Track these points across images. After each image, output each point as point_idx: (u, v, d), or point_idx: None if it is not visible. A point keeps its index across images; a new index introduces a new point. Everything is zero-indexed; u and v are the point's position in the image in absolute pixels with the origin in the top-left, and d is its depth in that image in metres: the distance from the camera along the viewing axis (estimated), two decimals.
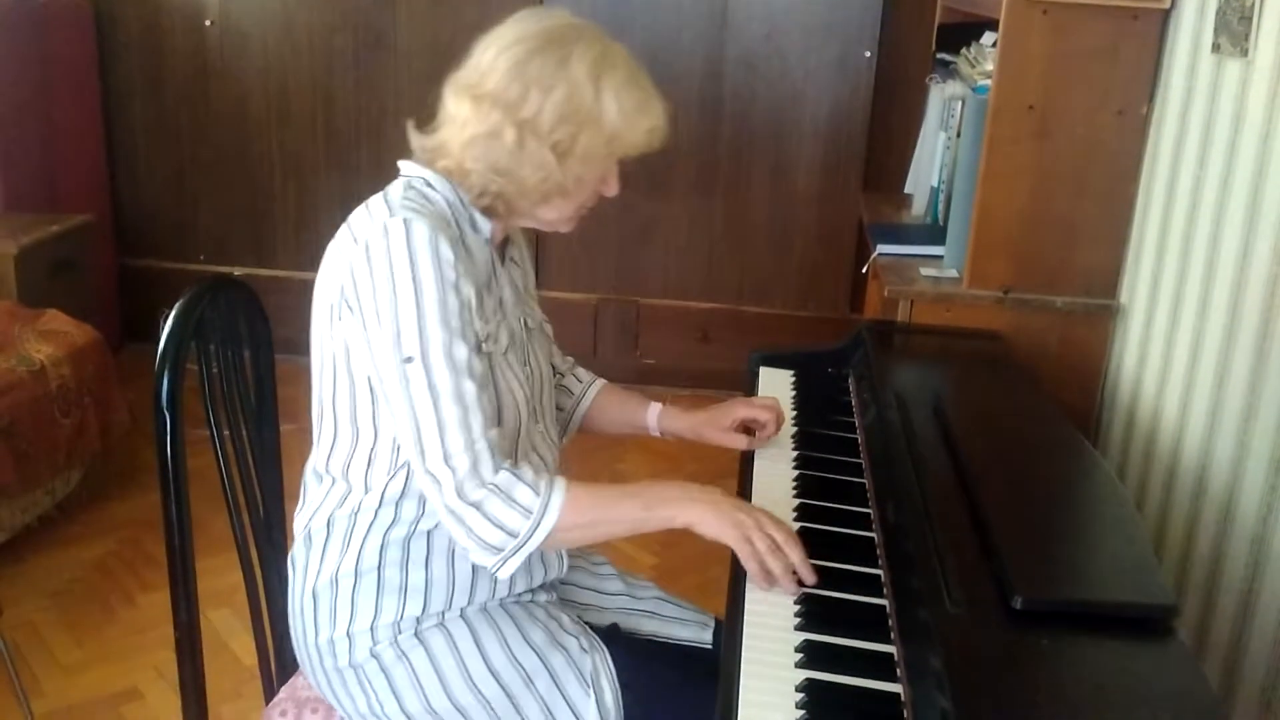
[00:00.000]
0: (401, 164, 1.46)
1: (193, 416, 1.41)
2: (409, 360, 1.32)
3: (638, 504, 1.41)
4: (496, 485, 1.34)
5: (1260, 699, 1.74)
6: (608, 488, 1.43)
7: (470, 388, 1.33)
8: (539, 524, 1.34)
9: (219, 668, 2.35)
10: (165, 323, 1.42)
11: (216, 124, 4.23)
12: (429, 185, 1.43)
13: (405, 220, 1.32)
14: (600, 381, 1.80)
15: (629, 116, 1.39)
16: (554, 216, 1.47)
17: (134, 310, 4.23)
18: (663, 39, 3.95)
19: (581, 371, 1.80)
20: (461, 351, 1.33)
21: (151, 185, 4.33)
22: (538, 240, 4.12)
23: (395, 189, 1.42)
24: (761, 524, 1.38)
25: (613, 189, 1.48)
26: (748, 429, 1.76)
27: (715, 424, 1.74)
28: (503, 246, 1.54)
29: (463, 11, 3.98)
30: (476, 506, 1.33)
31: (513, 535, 1.33)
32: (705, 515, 1.38)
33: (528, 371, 1.51)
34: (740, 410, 1.75)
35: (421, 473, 1.34)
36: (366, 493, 1.44)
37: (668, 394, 4.20)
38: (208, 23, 4.11)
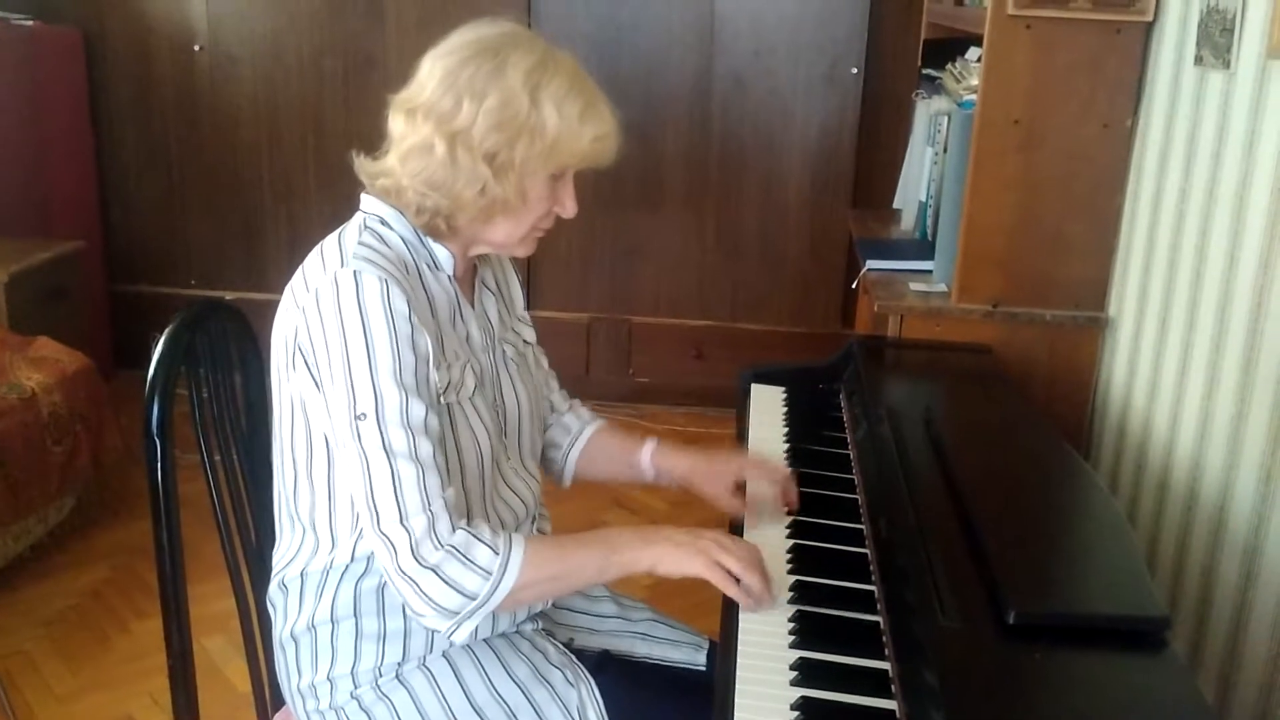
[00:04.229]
0: (363, 195, 1.42)
1: (185, 442, 1.41)
2: (362, 417, 1.27)
3: (596, 553, 1.36)
4: (454, 546, 1.28)
5: (1255, 710, 1.74)
6: (566, 539, 1.39)
7: (426, 446, 1.29)
8: (498, 585, 1.29)
9: (213, 694, 2.33)
10: (155, 348, 1.42)
11: (207, 148, 4.23)
12: (385, 224, 1.38)
13: (355, 272, 1.28)
14: (596, 423, 1.71)
15: (571, 125, 1.33)
16: (502, 238, 1.41)
17: (126, 336, 4.22)
18: (652, 57, 3.97)
19: (583, 411, 1.73)
20: (418, 410, 1.29)
21: (142, 211, 4.33)
22: (528, 259, 4.13)
23: (351, 230, 1.37)
24: (725, 545, 1.36)
25: (569, 209, 1.42)
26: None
27: (714, 478, 1.63)
28: (472, 277, 1.50)
29: (452, 31, 3.98)
30: (434, 570, 1.27)
31: (470, 598, 1.28)
32: (665, 554, 1.35)
33: (499, 412, 1.48)
34: (746, 470, 1.65)
35: (374, 535, 1.28)
36: (335, 547, 1.42)
37: (662, 412, 4.22)
38: (197, 48, 4.12)
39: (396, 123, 1.36)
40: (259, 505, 1.61)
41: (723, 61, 3.99)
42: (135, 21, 4.13)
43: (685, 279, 4.21)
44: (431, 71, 1.35)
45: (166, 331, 1.44)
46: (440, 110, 1.32)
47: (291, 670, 1.47)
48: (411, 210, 1.37)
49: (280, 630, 1.48)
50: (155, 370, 1.40)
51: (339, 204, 4.64)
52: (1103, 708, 1.11)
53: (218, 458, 1.53)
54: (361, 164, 1.41)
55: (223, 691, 2.47)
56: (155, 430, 1.38)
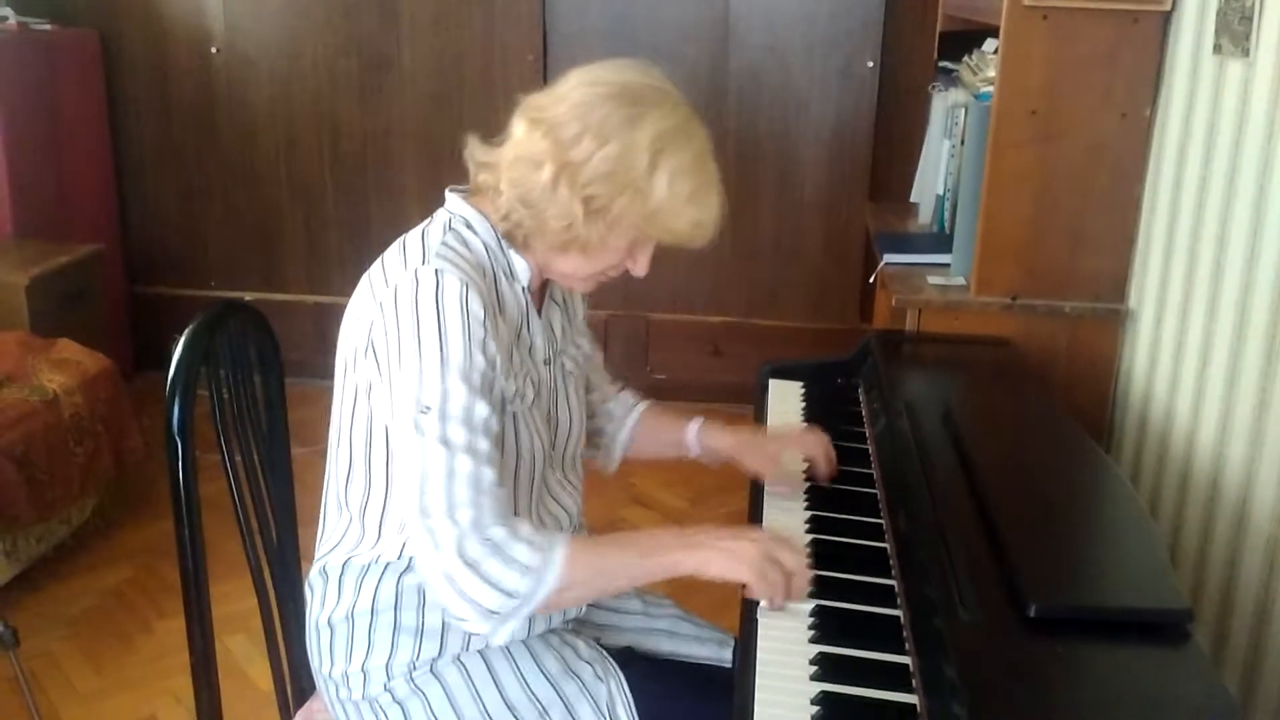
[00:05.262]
0: (448, 193, 1.42)
1: (206, 442, 1.42)
2: (426, 410, 1.26)
3: (636, 553, 1.34)
4: (494, 543, 1.26)
5: None
6: (606, 540, 1.38)
7: (484, 444, 1.28)
8: (540, 582, 1.26)
9: (236, 693, 2.35)
10: (175, 349, 1.43)
11: (224, 150, 4.25)
12: (469, 227, 1.39)
13: (437, 271, 1.29)
14: (644, 404, 1.75)
15: (677, 202, 1.32)
16: (568, 270, 1.40)
17: (146, 338, 4.25)
18: (666, 52, 3.95)
19: (626, 397, 1.75)
20: (482, 410, 1.28)
21: (161, 213, 4.36)
22: None
23: (435, 228, 1.38)
24: (774, 558, 1.34)
25: (641, 269, 1.41)
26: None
27: (758, 453, 1.68)
28: (543, 289, 1.49)
29: (466, 33, 3.99)
30: (473, 567, 1.24)
31: (512, 596, 1.25)
32: (711, 559, 1.33)
33: (552, 423, 1.49)
34: (788, 441, 1.69)
35: (420, 530, 1.26)
36: (380, 539, 1.42)
37: (680, 409, 4.21)
38: (213, 50, 4.14)
39: (519, 125, 1.35)
40: (279, 504, 1.62)
41: (738, 57, 3.99)
42: (152, 24, 4.15)
43: (702, 275, 4.21)
44: (571, 92, 1.33)
45: (186, 333, 1.45)
46: (562, 135, 1.30)
47: (324, 657, 1.47)
48: (500, 214, 1.37)
49: (316, 615, 1.48)
50: (175, 371, 1.41)
51: (356, 203, 4.67)
52: (1125, 701, 1.10)
53: (238, 457, 1.54)
54: (474, 148, 1.39)
55: (245, 690, 2.49)
56: (176, 430, 1.38)
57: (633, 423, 1.73)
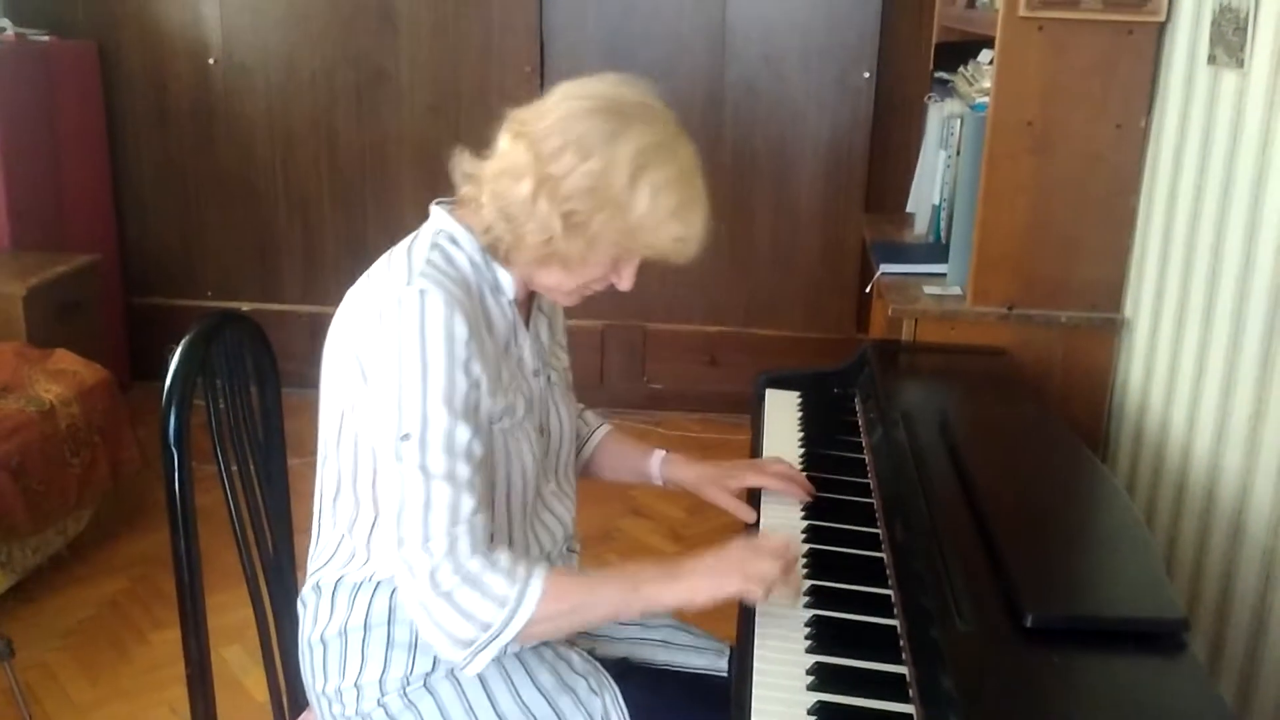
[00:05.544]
0: (433, 207, 1.41)
1: (202, 453, 1.42)
2: (406, 438, 1.26)
3: (616, 588, 1.34)
4: (469, 573, 1.26)
5: (1276, 713, 1.73)
6: (589, 572, 1.38)
7: (465, 470, 1.28)
8: (513, 615, 1.26)
9: (233, 704, 2.34)
10: (171, 360, 1.43)
11: (222, 161, 4.26)
12: (454, 242, 1.37)
13: (421, 292, 1.27)
14: (606, 426, 1.75)
15: (658, 217, 1.30)
16: (551, 283, 1.39)
17: (142, 348, 4.24)
18: (663, 64, 3.97)
19: (590, 415, 1.76)
20: (463, 434, 1.28)
21: (158, 223, 4.36)
22: None
23: (421, 244, 1.36)
24: (754, 550, 1.35)
25: (626, 283, 1.40)
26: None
27: (720, 483, 1.67)
28: (529, 300, 1.49)
29: (464, 45, 4.00)
30: (447, 597, 1.25)
31: (484, 627, 1.26)
32: (697, 586, 1.32)
33: (544, 435, 1.48)
34: (750, 477, 1.69)
35: (397, 560, 1.28)
36: (370, 558, 1.42)
37: (677, 418, 4.22)
38: (211, 61, 4.15)
39: (504, 138, 1.34)
40: (276, 515, 1.62)
41: (734, 68, 4.00)
42: (150, 35, 4.16)
43: (698, 285, 4.21)
44: (557, 106, 1.32)
45: (183, 343, 1.45)
46: (544, 149, 1.29)
47: (318, 673, 1.47)
48: (481, 227, 1.36)
49: (309, 632, 1.48)
50: (172, 382, 1.41)
51: (353, 214, 4.67)
52: (1121, 711, 1.10)
53: (234, 468, 1.54)
54: (461, 159, 1.38)
55: (241, 701, 2.48)
56: (172, 441, 1.38)
57: (594, 444, 1.72)
